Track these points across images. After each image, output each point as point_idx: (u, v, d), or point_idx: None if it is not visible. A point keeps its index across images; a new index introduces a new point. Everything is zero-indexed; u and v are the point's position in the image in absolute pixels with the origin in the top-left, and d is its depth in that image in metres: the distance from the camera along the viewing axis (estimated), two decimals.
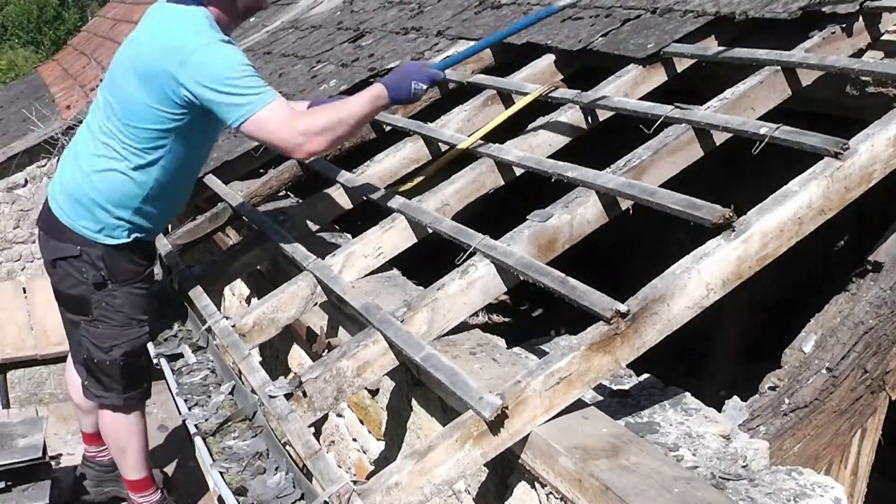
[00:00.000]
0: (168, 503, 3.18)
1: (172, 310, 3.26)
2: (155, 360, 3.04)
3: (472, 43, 3.94)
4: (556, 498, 1.84)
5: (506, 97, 3.38)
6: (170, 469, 3.71)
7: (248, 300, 4.01)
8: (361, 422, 2.95)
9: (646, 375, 2.28)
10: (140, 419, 3.02)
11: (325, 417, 3.17)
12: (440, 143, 3.28)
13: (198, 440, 2.50)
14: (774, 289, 3.49)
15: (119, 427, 2.96)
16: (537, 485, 1.92)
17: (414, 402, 2.47)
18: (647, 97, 2.99)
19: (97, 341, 2.82)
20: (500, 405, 1.85)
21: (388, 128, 3.66)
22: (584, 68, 3.52)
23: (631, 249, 4.66)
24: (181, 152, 2.69)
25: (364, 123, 2.69)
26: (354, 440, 3.03)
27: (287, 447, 2.30)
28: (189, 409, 2.68)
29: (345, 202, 3.29)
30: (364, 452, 2.94)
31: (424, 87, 2.65)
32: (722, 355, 4.43)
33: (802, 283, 3.70)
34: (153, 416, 4.17)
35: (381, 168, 3.27)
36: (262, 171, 4.10)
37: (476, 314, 2.77)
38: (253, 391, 2.47)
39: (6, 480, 3.20)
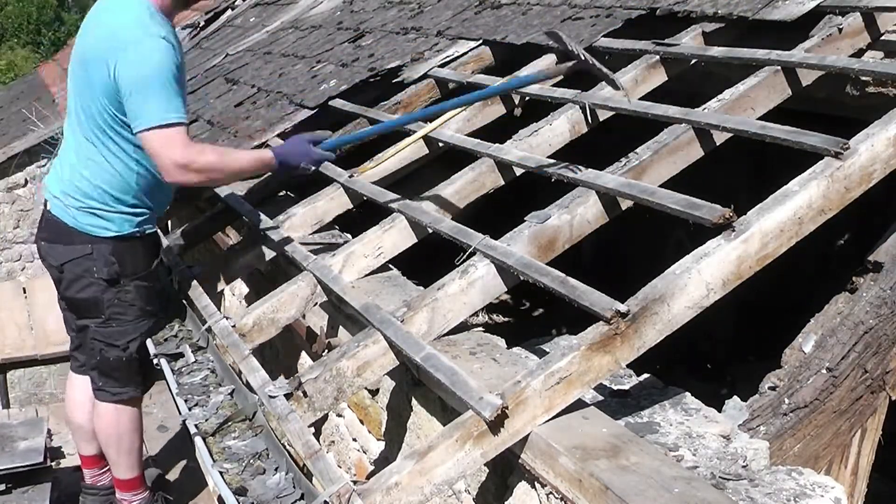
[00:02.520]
0: (157, 502, 3.17)
1: (173, 309, 3.27)
2: (155, 361, 3.05)
3: (471, 43, 3.96)
4: (556, 498, 1.84)
5: (505, 97, 3.38)
6: (170, 469, 3.70)
7: (247, 299, 4.01)
8: (361, 422, 2.95)
9: (646, 375, 2.28)
10: (140, 415, 3.03)
11: (325, 417, 3.17)
12: (439, 142, 3.28)
13: (198, 440, 2.50)
14: (774, 288, 3.49)
15: (124, 423, 2.97)
16: (537, 485, 1.92)
17: (414, 402, 2.47)
18: (647, 97, 2.99)
19: (112, 340, 2.83)
20: (500, 405, 1.85)
21: None
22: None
23: (631, 249, 4.67)
24: None
25: (239, 178, 2.96)
26: (354, 440, 3.03)
27: (287, 447, 2.30)
28: (189, 409, 2.68)
29: (345, 202, 3.29)
30: (364, 452, 2.94)
31: (311, 169, 2.82)
32: (722, 355, 4.43)
33: (802, 282, 3.70)
34: (153, 416, 4.17)
35: (381, 168, 3.27)
36: None
37: (476, 314, 2.77)
38: (253, 391, 2.48)
39: (6, 483, 3.20)
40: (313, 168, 2.81)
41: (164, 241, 3.49)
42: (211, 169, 2.62)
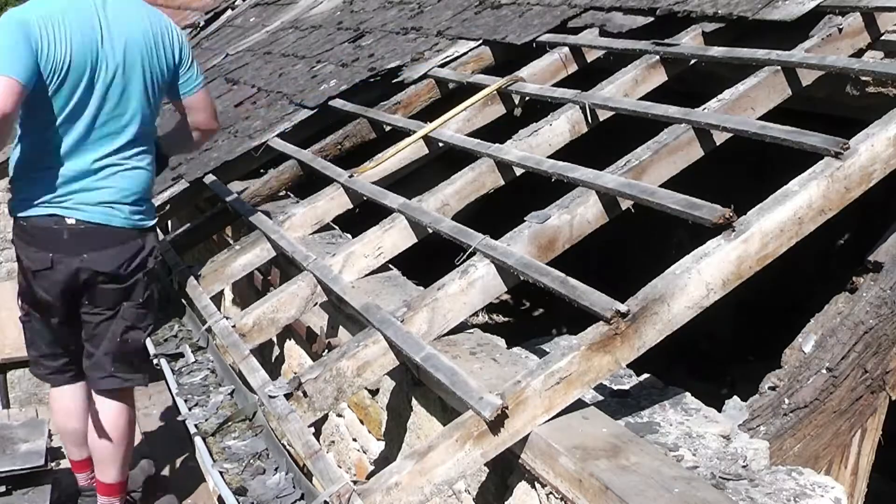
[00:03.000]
0: None
1: (173, 309, 3.27)
2: (155, 361, 3.05)
3: (472, 43, 3.96)
4: (556, 498, 1.84)
5: (505, 97, 3.39)
6: (170, 469, 3.70)
7: (246, 301, 4.01)
8: (361, 422, 2.95)
9: (646, 375, 2.28)
10: (134, 420, 3.08)
11: (325, 417, 3.17)
12: (439, 142, 3.28)
13: (198, 440, 2.50)
14: (774, 288, 3.49)
15: (123, 418, 3.01)
16: (537, 485, 1.92)
17: (414, 402, 2.47)
18: (647, 97, 2.99)
19: (137, 321, 2.96)
20: (500, 405, 1.85)
21: (388, 128, 3.66)
22: (585, 68, 3.52)
23: (630, 248, 4.66)
24: (38, 128, 2.83)
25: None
26: (354, 440, 3.03)
27: (287, 447, 2.30)
28: (189, 409, 2.67)
29: (345, 202, 3.29)
30: (364, 452, 2.94)
31: None
32: (722, 355, 4.43)
33: (802, 282, 3.70)
34: (153, 416, 4.17)
35: (381, 168, 3.27)
36: (262, 171, 4.10)
37: (476, 314, 2.77)
38: (253, 391, 2.48)
39: (7, 485, 3.20)
40: None
41: (165, 242, 3.49)
42: None
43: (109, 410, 2.99)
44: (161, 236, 3.44)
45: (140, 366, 3.01)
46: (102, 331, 2.95)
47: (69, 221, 2.78)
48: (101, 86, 2.73)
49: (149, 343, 3.05)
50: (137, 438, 3.36)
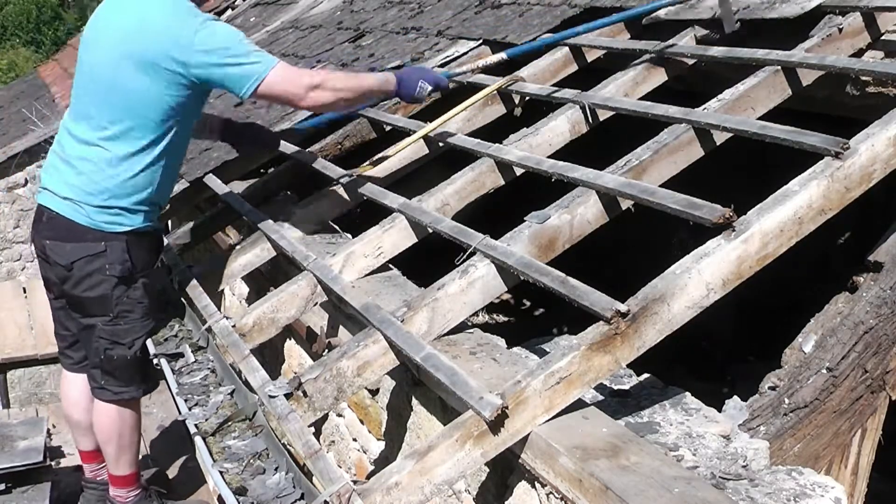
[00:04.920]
0: (149, 501, 3.16)
1: (173, 309, 3.27)
2: (155, 361, 3.04)
3: (472, 43, 3.96)
4: (557, 498, 1.84)
5: (506, 97, 3.38)
6: (170, 469, 3.70)
7: (248, 300, 4.01)
8: (361, 421, 2.95)
9: (646, 375, 2.28)
10: (139, 413, 3.04)
11: (325, 417, 3.17)
12: (439, 142, 3.28)
13: (198, 440, 2.50)
14: (774, 288, 3.49)
15: (125, 422, 2.97)
16: (537, 485, 1.92)
17: (414, 401, 2.47)
18: (647, 97, 2.99)
19: (118, 338, 2.83)
20: (500, 405, 1.85)
21: (389, 128, 3.66)
22: (585, 68, 3.52)
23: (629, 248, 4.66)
24: (181, 132, 2.80)
25: (366, 99, 2.96)
26: (354, 440, 3.03)
27: (287, 447, 2.30)
28: (189, 409, 2.68)
29: (345, 202, 3.29)
30: (364, 452, 2.94)
31: (429, 89, 2.92)
32: (722, 355, 4.43)
33: (802, 282, 3.70)
34: (153, 416, 4.16)
35: (381, 168, 3.27)
36: (262, 171, 4.10)
37: (476, 314, 2.77)
38: (253, 391, 2.48)
39: (6, 483, 3.19)
40: (430, 89, 2.94)
41: (165, 241, 3.49)
42: (340, 87, 2.75)
43: (107, 411, 2.98)
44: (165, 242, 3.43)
45: (132, 378, 2.88)
46: (86, 340, 2.90)
47: (51, 205, 2.81)
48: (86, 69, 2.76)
49: (149, 343, 3.05)
50: None
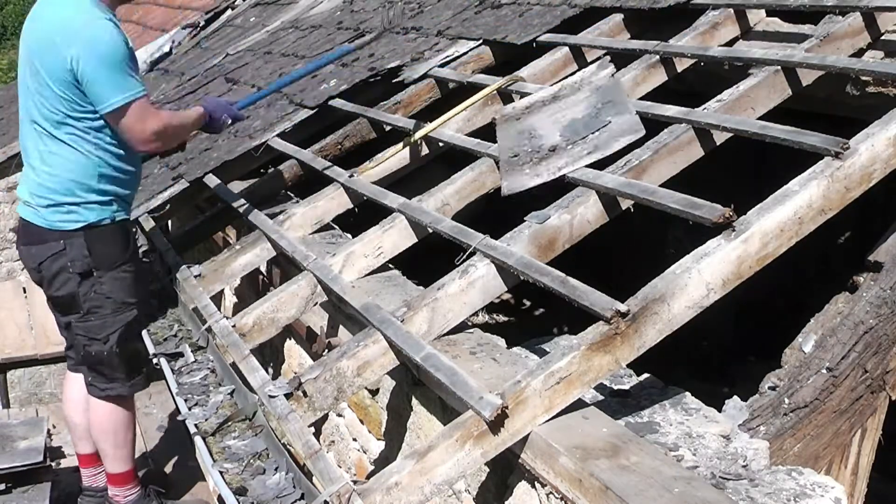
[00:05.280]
0: (148, 500, 3.16)
1: (173, 306, 3.27)
2: (155, 361, 3.04)
3: (472, 43, 3.96)
4: (557, 498, 1.84)
5: (505, 96, 3.38)
6: (170, 469, 3.70)
7: (236, 303, 4.01)
8: (361, 421, 2.95)
9: (646, 375, 2.28)
10: (134, 410, 3.04)
11: (325, 417, 3.17)
12: (439, 142, 3.28)
13: (198, 440, 2.50)
14: (774, 288, 3.49)
15: (118, 419, 2.97)
16: (537, 484, 1.92)
17: (414, 401, 2.47)
18: (647, 97, 2.99)
19: (92, 334, 2.85)
20: (500, 405, 1.85)
21: (389, 128, 3.66)
22: (584, 68, 3.52)
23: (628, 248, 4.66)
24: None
25: (186, 135, 3.06)
26: (354, 440, 3.03)
27: (287, 447, 2.30)
28: (189, 408, 2.68)
29: (345, 202, 3.29)
30: (364, 452, 2.94)
31: (230, 121, 3.17)
32: (722, 355, 4.43)
33: (802, 282, 3.70)
34: (153, 416, 4.16)
35: (381, 168, 3.27)
36: (262, 171, 4.10)
37: (477, 314, 2.77)
38: (253, 391, 2.48)
39: (6, 483, 3.20)
40: (230, 122, 3.17)
41: (164, 241, 3.49)
42: (166, 130, 2.81)
43: (100, 407, 2.99)
44: (150, 239, 3.42)
45: (114, 375, 2.89)
46: (70, 338, 2.95)
47: (20, 214, 2.88)
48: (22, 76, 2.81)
49: (149, 343, 3.05)
50: (137, 438, 3.35)
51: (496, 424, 1.87)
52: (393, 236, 2.84)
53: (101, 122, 2.72)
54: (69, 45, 2.61)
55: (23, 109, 2.81)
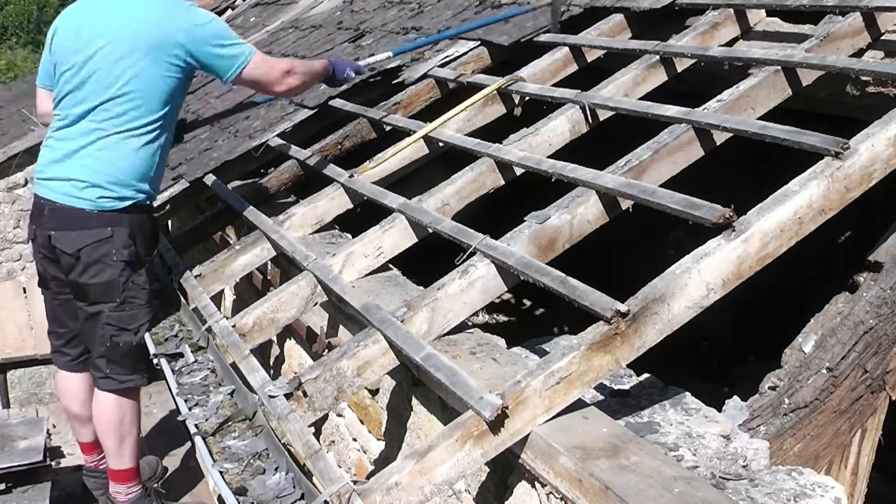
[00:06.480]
0: (149, 499, 3.17)
1: (173, 309, 3.28)
2: (155, 361, 3.05)
3: (471, 43, 3.95)
4: (557, 498, 1.84)
5: (505, 96, 3.39)
6: (169, 468, 3.70)
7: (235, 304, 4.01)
8: (361, 421, 2.95)
9: (646, 375, 2.28)
10: (139, 406, 3.08)
11: (325, 417, 3.17)
12: (439, 142, 3.28)
13: (198, 440, 2.50)
14: (774, 288, 3.49)
15: (126, 412, 3.00)
16: (537, 484, 1.92)
17: (414, 401, 2.47)
18: (647, 97, 2.99)
19: (125, 324, 2.91)
20: (500, 405, 1.85)
21: (389, 128, 3.66)
22: (585, 68, 3.52)
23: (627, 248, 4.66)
24: (175, 113, 2.97)
25: (315, 82, 3.31)
26: (354, 440, 3.03)
27: (287, 447, 2.30)
28: (189, 409, 2.68)
29: (345, 202, 3.29)
30: (364, 452, 2.94)
31: (353, 74, 3.39)
32: (722, 355, 4.43)
33: (802, 282, 3.70)
34: (153, 416, 4.17)
35: (381, 168, 3.27)
36: (262, 170, 4.10)
37: (477, 314, 2.77)
38: (253, 391, 2.48)
39: (6, 482, 3.20)
40: (354, 75, 3.41)
41: (165, 242, 3.48)
42: (303, 72, 3.09)
43: (108, 403, 3.00)
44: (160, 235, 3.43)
45: (136, 366, 2.97)
46: (90, 329, 2.95)
47: (52, 196, 2.89)
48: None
49: (149, 342, 3.05)
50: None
51: (496, 424, 1.87)
52: (393, 236, 2.84)
53: (169, 115, 2.89)
54: (180, 34, 2.80)
55: (78, 96, 2.85)
